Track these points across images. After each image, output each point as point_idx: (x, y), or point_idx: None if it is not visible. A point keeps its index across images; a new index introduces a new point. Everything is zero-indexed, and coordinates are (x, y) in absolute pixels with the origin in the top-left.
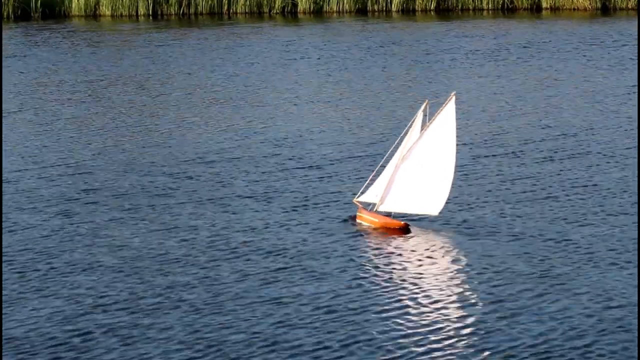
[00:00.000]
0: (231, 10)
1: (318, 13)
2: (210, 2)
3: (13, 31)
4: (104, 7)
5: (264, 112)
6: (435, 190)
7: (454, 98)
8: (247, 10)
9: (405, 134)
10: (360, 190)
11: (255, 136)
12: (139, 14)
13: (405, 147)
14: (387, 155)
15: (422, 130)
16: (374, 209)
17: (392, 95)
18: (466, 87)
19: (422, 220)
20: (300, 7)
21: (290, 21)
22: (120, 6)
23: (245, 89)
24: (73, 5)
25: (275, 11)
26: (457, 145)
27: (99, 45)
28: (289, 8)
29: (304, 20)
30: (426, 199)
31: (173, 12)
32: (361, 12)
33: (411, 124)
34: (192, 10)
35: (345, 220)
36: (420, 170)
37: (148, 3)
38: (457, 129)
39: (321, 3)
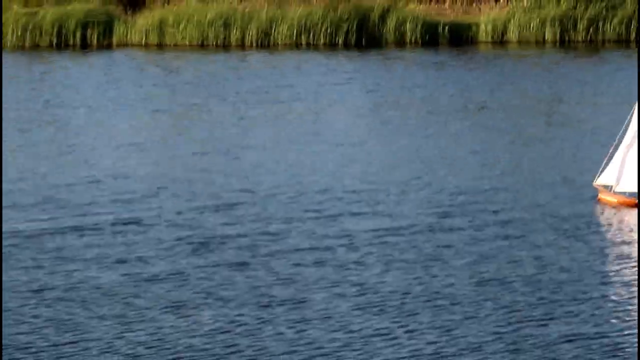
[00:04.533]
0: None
1: None
2: (618, 29)
3: (421, 56)
4: (511, 33)
5: None
6: None
7: None
8: None
9: (627, 125)
10: (597, 175)
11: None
12: (546, 39)
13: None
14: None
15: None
16: (612, 190)
17: None
18: None
19: None
20: None
21: None
22: (527, 31)
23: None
24: (480, 32)
25: None
26: None
27: (504, 71)
28: None
29: None
30: None
31: (580, 39)
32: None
33: (630, 118)
34: (599, 37)
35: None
36: None
37: (555, 29)
38: None
39: None
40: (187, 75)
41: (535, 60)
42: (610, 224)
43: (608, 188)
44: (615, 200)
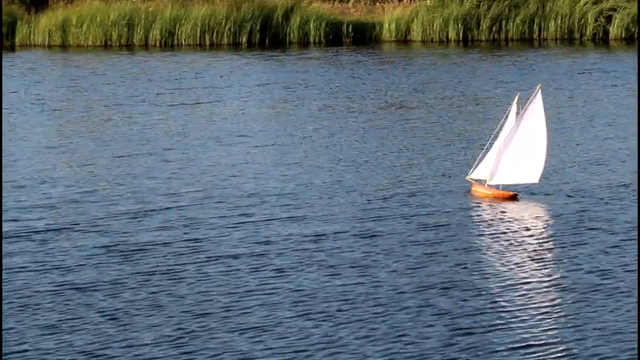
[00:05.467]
0: (542, 36)
1: (631, 40)
2: (521, 27)
3: (326, 55)
4: (414, 32)
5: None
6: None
7: (540, 90)
8: (558, 36)
9: (504, 122)
10: (471, 170)
11: None
12: (449, 38)
13: (505, 132)
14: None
15: (517, 118)
16: (485, 184)
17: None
18: None
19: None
20: (612, 34)
21: (601, 47)
22: (430, 30)
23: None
24: (384, 31)
25: (586, 37)
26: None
27: (407, 67)
28: (601, 34)
29: (615, 47)
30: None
31: (484, 38)
32: None
33: (507, 115)
34: (502, 36)
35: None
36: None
37: (458, 28)
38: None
39: (634, 29)
40: (98, 77)
41: (439, 58)
42: (514, 222)
43: (481, 182)
44: (490, 193)
